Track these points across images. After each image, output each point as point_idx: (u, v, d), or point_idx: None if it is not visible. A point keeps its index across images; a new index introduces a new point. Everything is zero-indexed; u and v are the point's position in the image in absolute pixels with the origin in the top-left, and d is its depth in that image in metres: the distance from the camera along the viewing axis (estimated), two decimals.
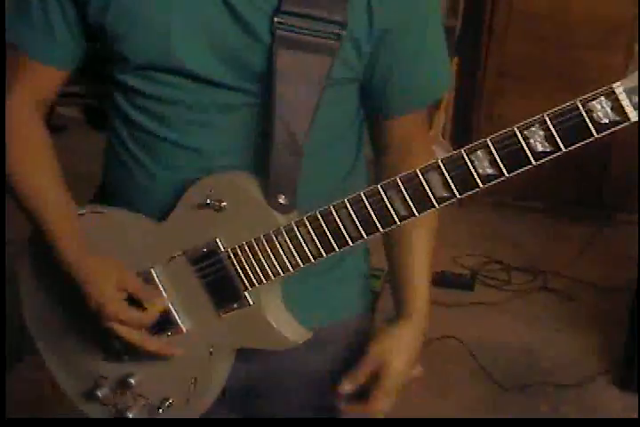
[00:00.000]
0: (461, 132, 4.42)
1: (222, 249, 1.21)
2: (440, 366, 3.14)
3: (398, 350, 1.37)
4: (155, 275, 1.27)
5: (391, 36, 1.20)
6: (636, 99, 0.96)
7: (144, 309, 1.27)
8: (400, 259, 1.39)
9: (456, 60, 4.47)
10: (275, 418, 1.46)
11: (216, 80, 1.18)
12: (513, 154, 1.02)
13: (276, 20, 1.13)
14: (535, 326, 3.43)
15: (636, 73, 0.95)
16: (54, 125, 5.36)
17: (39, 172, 1.29)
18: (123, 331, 1.26)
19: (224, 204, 1.19)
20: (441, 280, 3.72)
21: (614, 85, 0.96)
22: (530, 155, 1.02)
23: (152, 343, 1.28)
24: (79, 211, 1.31)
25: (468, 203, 4.34)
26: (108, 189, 1.38)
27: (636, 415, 2.78)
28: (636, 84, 0.96)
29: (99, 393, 1.36)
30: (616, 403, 2.97)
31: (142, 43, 1.17)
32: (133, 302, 1.27)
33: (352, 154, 1.36)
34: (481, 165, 1.04)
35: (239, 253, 1.20)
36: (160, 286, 1.27)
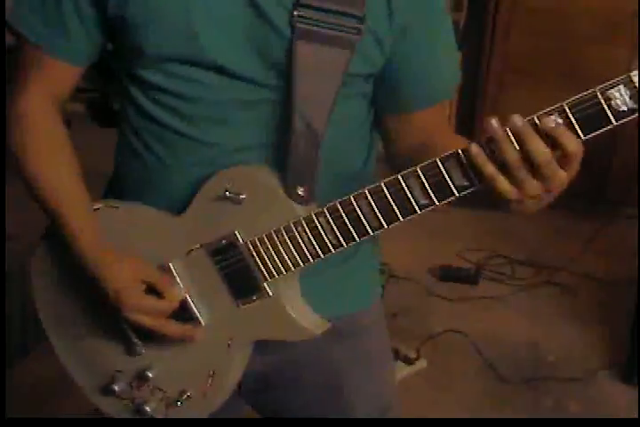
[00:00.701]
0: (465, 127, 4.42)
1: (241, 241, 1.22)
2: (444, 359, 3.15)
3: None
4: (173, 268, 1.27)
5: (411, 29, 1.21)
6: None
7: (163, 298, 1.27)
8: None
9: (460, 54, 4.46)
10: (280, 418, 1.46)
11: (239, 72, 1.19)
12: None
13: (295, 13, 1.15)
14: (539, 321, 3.43)
15: None
16: None
17: (58, 168, 1.29)
18: (144, 320, 1.26)
19: (243, 196, 1.19)
20: (445, 274, 3.74)
21: (632, 74, 0.97)
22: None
23: (175, 328, 1.28)
24: (94, 206, 1.31)
25: (471, 197, 4.33)
26: (120, 184, 1.38)
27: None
28: None
29: (116, 387, 1.36)
30: (620, 397, 2.97)
31: (168, 35, 1.17)
32: (152, 293, 1.27)
33: (365, 149, 1.37)
34: None
35: (258, 244, 1.21)
36: (178, 279, 1.28)
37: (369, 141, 1.37)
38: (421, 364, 3.10)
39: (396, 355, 3.09)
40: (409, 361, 3.08)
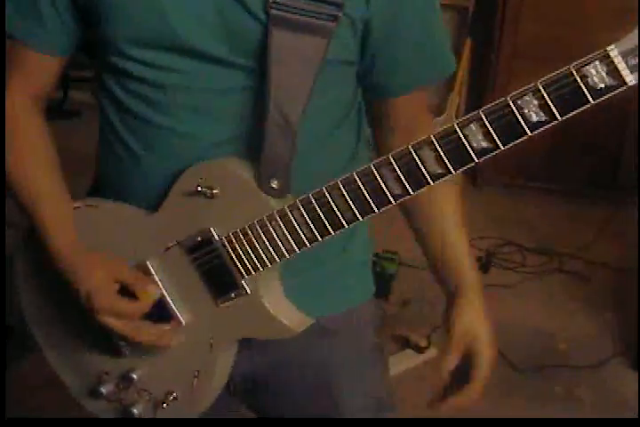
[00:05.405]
0: None
1: (217, 237, 1.18)
2: None
3: (479, 323, 1.38)
4: (150, 267, 1.25)
5: (389, 14, 1.17)
6: (633, 61, 0.91)
7: (137, 300, 1.24)
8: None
9: (469, 41, 4.44)
10: (275, 418, 1.44)
11: (212, 54, 1.15)
12: (507, 125, 0.98)
13: None
14: (550, 308, 3.42)
15: (631, 35, 0.91)
16: (68, 111, 5.36)
17: (37, 168, 1.27)
18: (113, 323, 1.24)
19: (215, 191, 1.16)
20: None
21: (609, 48, 0.92)
22: (525, 125, 0.98)
23: (145, 334, 1.25)
24: (74, 205, 1.29)
25: (482, 184, 4.31)
26: (101, 179, 1.36)
27: None
28: (632, 46, 0.91)
29: (102, 390, 1.34)
30: (631, 385, 2.95)
31: (136, 17, 1.13)
32: (126, 294, 1.24)
33: (352, 141, 1.33)
34: (475, 138, 1.00)
35: (234, 240, 1.18)
36: (156, 277, 1.25)
37: (357, 131, 1.33)
38: (432, 352, 3.09)
39: (407, 343, 3.10)
40: (419, 349, 3.08)
